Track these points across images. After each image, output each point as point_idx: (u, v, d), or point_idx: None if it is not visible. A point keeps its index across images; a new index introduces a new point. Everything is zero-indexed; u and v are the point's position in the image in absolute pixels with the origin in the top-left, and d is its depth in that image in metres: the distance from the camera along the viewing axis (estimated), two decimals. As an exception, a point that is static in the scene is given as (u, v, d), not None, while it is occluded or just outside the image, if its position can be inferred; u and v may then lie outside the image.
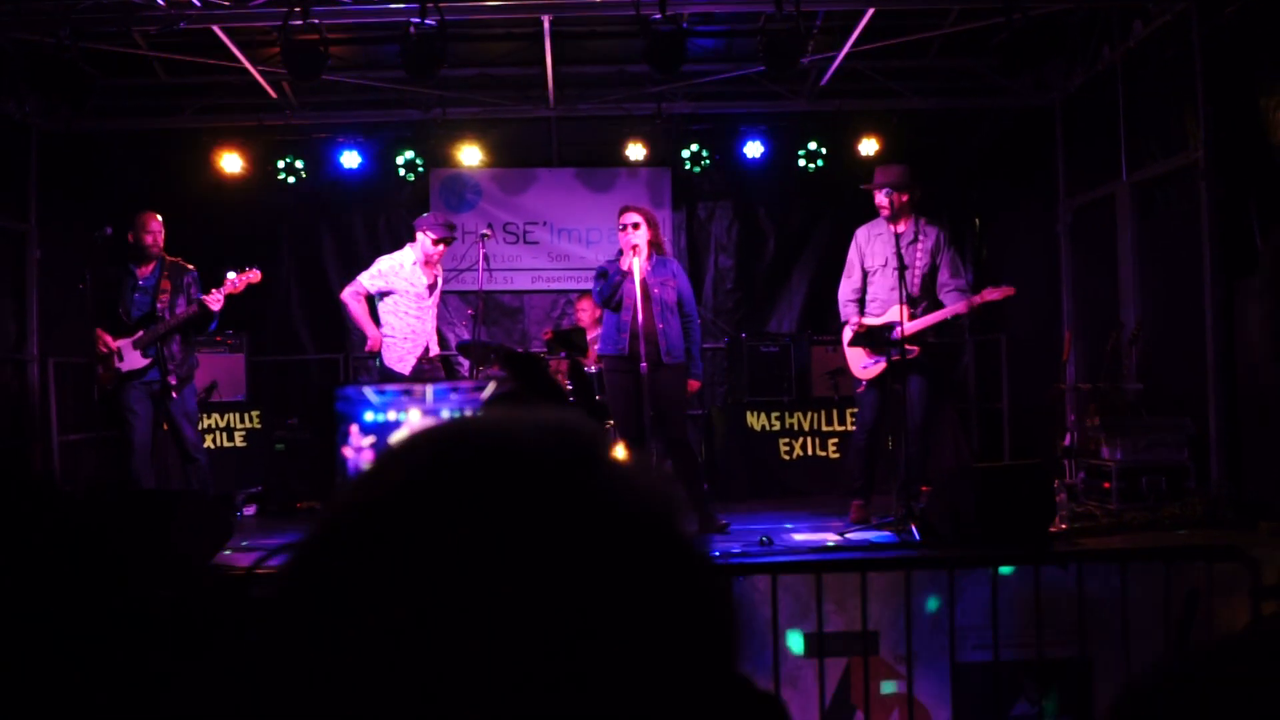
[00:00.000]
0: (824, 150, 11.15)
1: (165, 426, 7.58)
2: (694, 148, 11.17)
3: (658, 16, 7.75)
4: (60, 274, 9.41)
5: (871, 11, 8.37)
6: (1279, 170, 6.97)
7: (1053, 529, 6.06)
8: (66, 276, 8.76)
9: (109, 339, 7.36)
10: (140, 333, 7.38)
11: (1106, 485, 7.34)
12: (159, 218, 7.63)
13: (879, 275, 7.35)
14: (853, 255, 7.52)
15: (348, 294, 7.92)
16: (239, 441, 9.43)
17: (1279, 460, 6.64)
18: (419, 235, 7.91)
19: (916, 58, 10.13)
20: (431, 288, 7.97)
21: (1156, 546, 5.48)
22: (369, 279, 7.92)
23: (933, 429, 7.30)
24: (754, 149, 11.09)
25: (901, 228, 7.18)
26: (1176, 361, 8.11)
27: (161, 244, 7.59)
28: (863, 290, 7.44)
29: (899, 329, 6.91)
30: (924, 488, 7.21)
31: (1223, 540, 5.67)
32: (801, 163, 11.20)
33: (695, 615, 0.68)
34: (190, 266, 7.67)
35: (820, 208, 11.42)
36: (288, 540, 0.71)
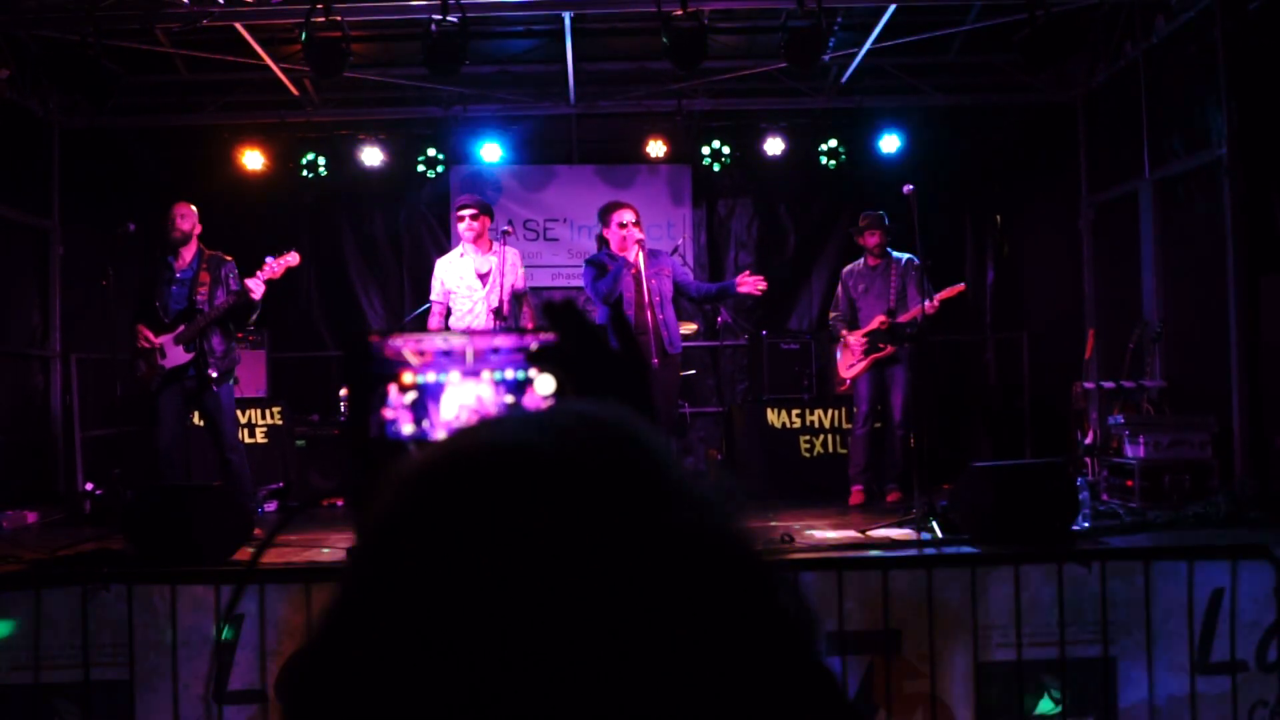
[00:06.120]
0: (844, 147, 11.12)
1: (200, 422, 7.31)
2: (714, 144, 11.14)
3: (679, 13, 7.74)
4: (83, 270, 9.45)
5: (893, 8, 8.35)
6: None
7: (1075, 527, 6.04)
8: (89, 273, 8.78)
9: (150, 335, 7.06)
10: (181, 327, 7.06)
11: (1129, 483, 7.31)
12: (190, 206, 7.33)
13: (864, 301, 8.48)
14: (840, 292, 8.66)
15: (431, 316, 8.03)
16: (260, 438, 9.42)
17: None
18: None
19: (938, 54, 10.10)
20: (485, 276, 7.89)
21: (1181, 545, 5.44)
22: (432, 290, 8.07)
23: (915, 415, 7.89)
24: (774, 146, 11.05)
25: (876, 260, 8.46)
26: (1200, 358, 8.07)
27: (187, 230, 7.22)
28: (850, 315, 8.53)
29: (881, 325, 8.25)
30: (945, 485, 7.30)
31: (1248, 539, 5.64)
32: (822, 159, 11.17)
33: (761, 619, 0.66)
34: (228, 258, 7.32)
35: (840, 204, 11.36)
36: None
